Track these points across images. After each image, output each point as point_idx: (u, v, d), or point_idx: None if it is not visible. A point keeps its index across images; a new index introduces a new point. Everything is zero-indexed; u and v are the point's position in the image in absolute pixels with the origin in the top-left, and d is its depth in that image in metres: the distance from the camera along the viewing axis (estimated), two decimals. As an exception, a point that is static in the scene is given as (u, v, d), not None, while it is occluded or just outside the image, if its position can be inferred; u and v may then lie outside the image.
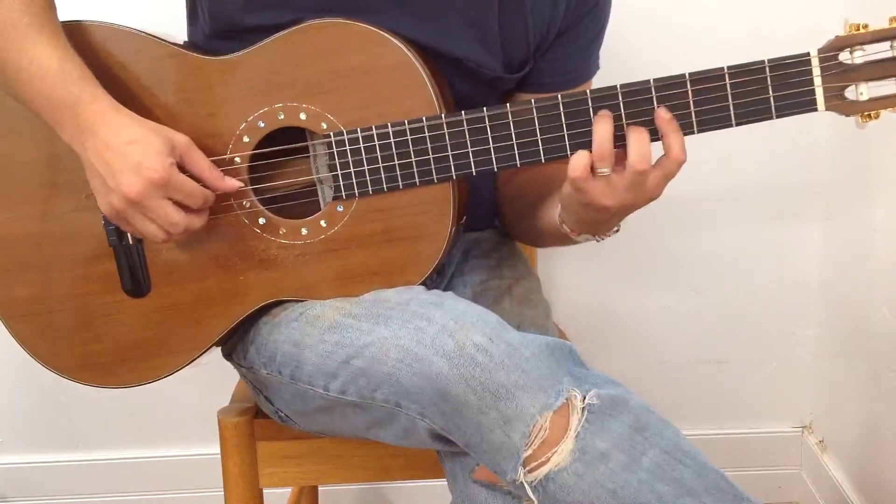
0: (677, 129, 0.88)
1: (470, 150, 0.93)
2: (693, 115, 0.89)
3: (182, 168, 0.92)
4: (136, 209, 0.90)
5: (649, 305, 1.65)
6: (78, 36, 0.97)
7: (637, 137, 0.88)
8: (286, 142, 0.97)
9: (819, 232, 1.60)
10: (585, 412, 0.81)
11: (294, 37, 0.95)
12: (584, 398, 0.82)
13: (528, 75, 1.08)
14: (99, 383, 1.04)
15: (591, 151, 0.88)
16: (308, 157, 0.99)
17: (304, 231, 0.98)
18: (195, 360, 1.03)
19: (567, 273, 1.63)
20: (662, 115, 0.88)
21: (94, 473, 1.71)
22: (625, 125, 0.89)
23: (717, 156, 1.54)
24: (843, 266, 1.56)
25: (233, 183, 0.95)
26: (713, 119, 0.89)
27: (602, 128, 0.88)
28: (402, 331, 0.86)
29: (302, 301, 0.99)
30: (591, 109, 0.90)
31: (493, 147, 0.93)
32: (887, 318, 1.39)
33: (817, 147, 1.55)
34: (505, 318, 0.89)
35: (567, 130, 0.91)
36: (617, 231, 1.00)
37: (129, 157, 0.88)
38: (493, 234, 1.24)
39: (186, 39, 1.10)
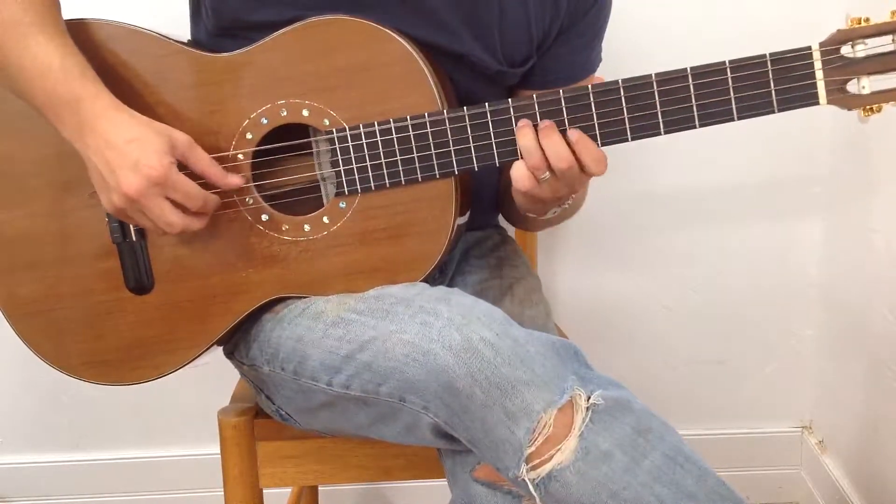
0: (586, 145, 0.91)
1: (472, 144, 0.93)
2: (695, 109, 0.89)
3: (184, 167, 0.92)
4: (134, 206, 0.91)
5: (649, 305, 1.65)
6: (81, 34, 0.97)
7: (551, 142, 0.90)
8: (289, 138, 0.98)
9: (819, 232, 1.60)
10: (590, 412, 0.81)
11: (296, 34, 0.95)
12: (589, 398, 0.82)
13: (531, 72, 1.09)
14: (103, 381, 1.04)
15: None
16: (311, 153, 0.99)
17: (306, 227, 0.98)
18: (198, 357, 1.03)
19: (567, 273, 1.63)
20: (570, 137, 0.91)
21: (94, 473, 1.71)
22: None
23: (718, 157, 1.55)
24: (842, 266, 1.56)
25: (235, 180, 0.95)
26: (715, 113, 0.89)
27: (525, 140, 0.91)
28: (409, 325, 0.86)
29: (305, 297, 0.99)
30: (592, 104, 0.90)
31: (495, 142, 0.93)
32: (887, 318, 1.39)
33: (817, 148, 1.56)
34: (508, 316, 0.89)
35: (569, 126, 0.91)
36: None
37: (129, 155, 0.89)
38: (493, 234, 1.24)
39: (190, 38, 1.11)
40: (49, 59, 0.91)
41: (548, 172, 0.91)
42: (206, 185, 0.94)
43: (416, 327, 0.85)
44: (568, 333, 1.30)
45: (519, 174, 0.91)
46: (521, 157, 0.92)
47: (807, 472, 1.70)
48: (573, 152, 0.90)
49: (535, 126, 0.91)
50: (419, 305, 0.88)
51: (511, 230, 1.36)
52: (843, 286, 1.56)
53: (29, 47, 0.91)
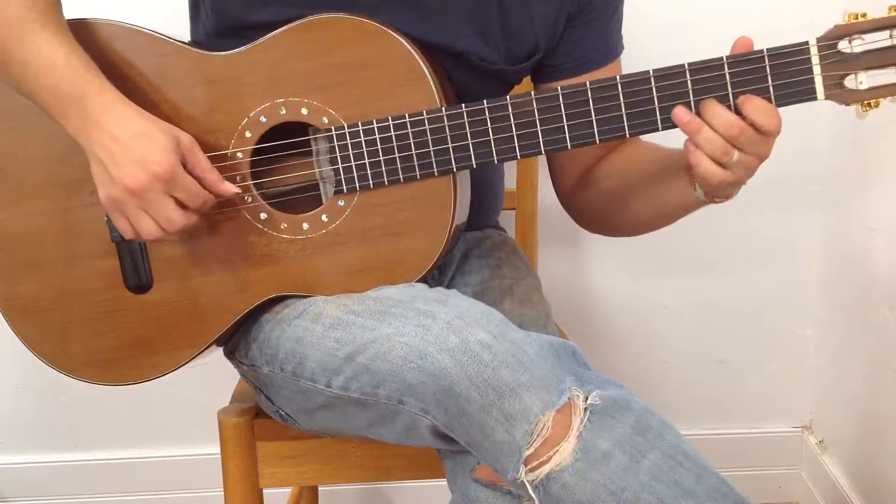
0: (754, 104, 0.88)
1: (470, 142, 0.93)
2: (693, 106, 0.89)
3: (184, 167, 0.92)
4: (135, 201, 0.91)
5: (649, 305, 1.65)
6: (82, 33, 0.97)
7: (714, 115, 0.88)
8: (289, 137, 0.98)
9: (819, 231, 1.60)
10: (588, 412, 0.81)
11: (296, 32, 0.95)
12: (587, 398, 0.82)
13: (548, 62, 1.08)
14: (102, 381, 1.04)
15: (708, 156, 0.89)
16: (310, 151, 0.99)
17: (305, 226, 0.98)
18: (197, 356, 1.03)
19: (567, 273, 1.63)
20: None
21: (94, 473, 1.71)
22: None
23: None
24: (842, 266, 1.56)
25: (230, 188, 0.95)
26: None
27: (695, 126, 0.89)
28: (407, 328, 0.86)
29: (304, 297, 0.99)
30: (590, 100, 0.90)
31: (494, 139, 0.93)
32: (887, 318, 1.39)
33: (817, 147, 1.56)
34: (505, 317, 0.89)
35: (567, 121, 0.91)
36: None
37: (135, 149, 0.89)
38: (493, 234, 1.24)
39: (189, 38, 1.11)
40: (53, 56, 0.91)
41: (736, 153, 0.88)
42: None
43: (413, 330, 0.85)
44: (568, 333, 1.30)
45: (706, 168, 0.89)
46: (698, 149, 0.89)
47: (807, 472, 1.70)
48: (742, 116, 0.88)
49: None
50: (417, 308, 0.88)
51: (511, 230, 1.36)
52: (843, 286, 1.56)
53: (32, 44, 0.91)
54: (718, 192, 0.95)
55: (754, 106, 0.88)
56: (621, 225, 1.15)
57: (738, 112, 0.88)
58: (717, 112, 0.88)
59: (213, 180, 0.94)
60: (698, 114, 0.89)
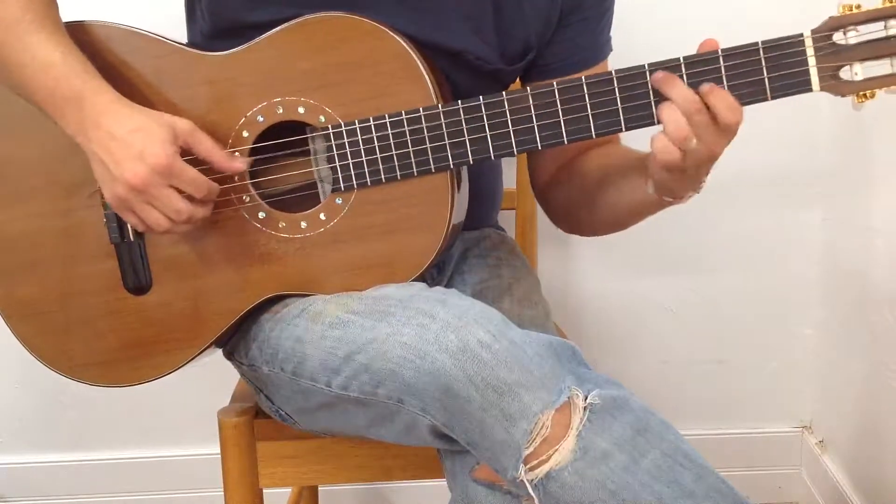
0: (718, 94, 0.87)
1: (467, 138, 0.93)
2: None
3: (189, 153, 0.93)
4: (140, 197, 0.91)
5: (650, 305, 1.65)
6: (79, 35, 0.97)
7: (679, 93, 0.87)
8: (286, 136, 0.98)
9: (819, 231, 1.60)
10: (587, 411, 0.81)
11: (292, 31, 0.95)
12: (587, 398, 0.82)
13: (538, 61, 1.08)
14: (102, 382, 1.04)
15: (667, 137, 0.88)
16: (307, 150, 0.99)
17: (303, 224, 0.98)
18: (197, 357, 1.03)
19: (567, 273, 1.63)
20: (702, 89, 0.87)
21: (94, 473, 1.71)
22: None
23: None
24: (842, 266, 1.56)
25: (239, 164, 0.95)
26: None
27: (670, 115, 0.87)
28: (406, 327, 0.86)
29: (303, 296, 0.99)
30: (585, 95, 0.90)
31: (490, 135, 0.93)
32: (887, 318, 1.39)
33: (817, 147, 1.56)
34: (504, 317, 0.89)
35: (563, 116, 0.91)
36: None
37: (133, 145, 0.90)
38: (492, 234, 1.24)
39: (186, 40, 1.11)
40: (50, 56, 0.92)
41: (694, 139, 0.87)
42: (208, 172, 0.94)
43: (413, 329, 0.85)
44: (567, 333, 1.30)
45: (662, 144, 0.87)
46: (662, 122, 0.88)
47: (807, 472, 1.70)
48: (705, 105, 0.87)
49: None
50: (416, 307, 0.88)
51: (511, 230, 1.36)
52: (842, 286, 1.56)
53: (30, 45, 0.92)
54: (668, 185, 0.93)
55: (719, 97, 0.87)
56: (596, 222, 1.14)
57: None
58: (683, 89, 0.87)
59: (220, 159, 0.95)
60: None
